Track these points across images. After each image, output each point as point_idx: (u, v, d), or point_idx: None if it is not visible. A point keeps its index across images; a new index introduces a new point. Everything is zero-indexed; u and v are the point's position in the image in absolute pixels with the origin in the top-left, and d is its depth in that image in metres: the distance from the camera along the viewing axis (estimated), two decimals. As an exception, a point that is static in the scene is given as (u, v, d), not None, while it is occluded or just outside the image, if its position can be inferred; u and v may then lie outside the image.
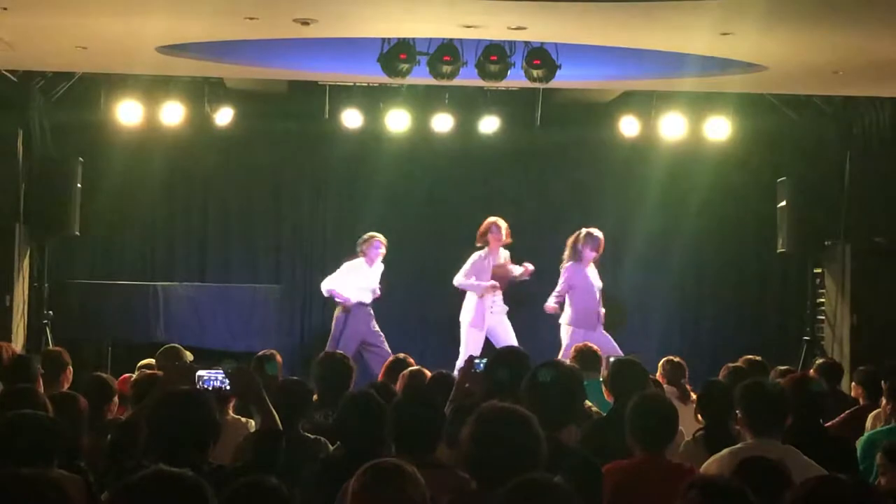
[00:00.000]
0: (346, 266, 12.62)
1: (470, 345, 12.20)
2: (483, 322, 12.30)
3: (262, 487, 3.74)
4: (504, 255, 12.54)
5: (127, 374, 8.61)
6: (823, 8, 8.73)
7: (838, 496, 3.36)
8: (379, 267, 12.65)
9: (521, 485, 3.59)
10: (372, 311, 12.56)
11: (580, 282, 12.15)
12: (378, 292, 12.56)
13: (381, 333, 12.50)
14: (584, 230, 12.30)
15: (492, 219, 12.45)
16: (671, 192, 13.99)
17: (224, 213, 14.14)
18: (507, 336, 12.26)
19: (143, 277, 13.38)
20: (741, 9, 8.74)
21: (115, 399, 7.07)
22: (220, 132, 13.37)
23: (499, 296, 12.41)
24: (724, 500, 3.75)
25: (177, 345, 8.84)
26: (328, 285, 12.58)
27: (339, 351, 8.85)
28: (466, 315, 12.37)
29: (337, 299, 12.51)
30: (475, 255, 12.40)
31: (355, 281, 12.53)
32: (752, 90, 12.70)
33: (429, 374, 7.89)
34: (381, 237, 12.60)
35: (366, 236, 12.64)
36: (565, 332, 12.02)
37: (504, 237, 12.40)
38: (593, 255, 12.26)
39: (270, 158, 14.08)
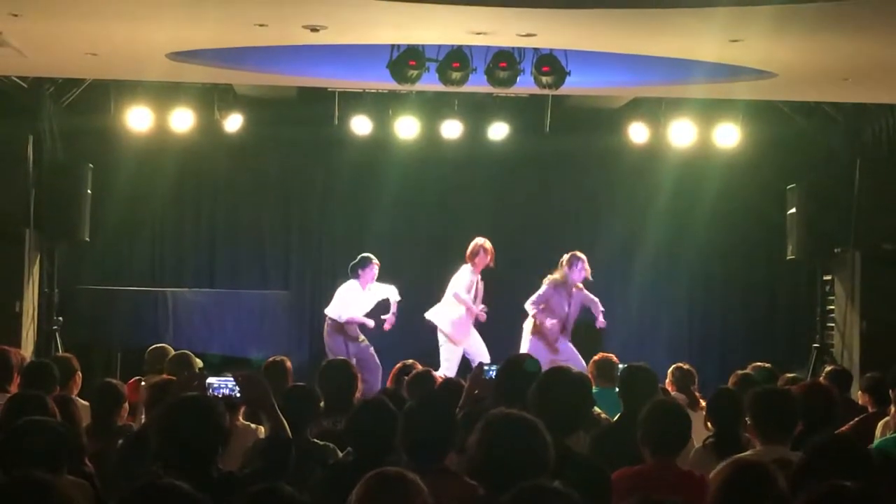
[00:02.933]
0: (344, 290, 12.58)
1: (452, 359, 12.24)
2: (465, 337, 12.32)
3: (278, 495, 3.72)
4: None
5: (134, 380, 8.64)
6: (832, 15, 8.72)
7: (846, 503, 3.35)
8: (374, 290, 12.61)
9: (524, 490, 3.59)
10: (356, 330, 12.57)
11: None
12: (389, 319, 12.54)
13: (369, 345, 12.52)
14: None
15: (481, 241, 12.39)
16: (680, 199, 13.99)
17: (233, 219, 14.18)
18: (481, 349, 12.27)
19: (152, 283, 13.41)
20: (750, 16, 8.73)
21: (126, 405, 7.09)
22: (229, 138, 13.39)
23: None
24: None
25: (186, 351, 8.86)
26: (347, 313, 12.54)
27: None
28: (450, 328, 12.36)
29: (358, 323, 12.53)
30: (468, 271, 12.38)
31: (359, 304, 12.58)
32: (761, 97, 12.69)
33: (438, 375, 7.93)
34: (375, 259, 12.53)
35: (361, 257, 12.59)
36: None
37: (489, 261, 12.33)
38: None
39: (280, 164, 14.13)
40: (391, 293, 12.62)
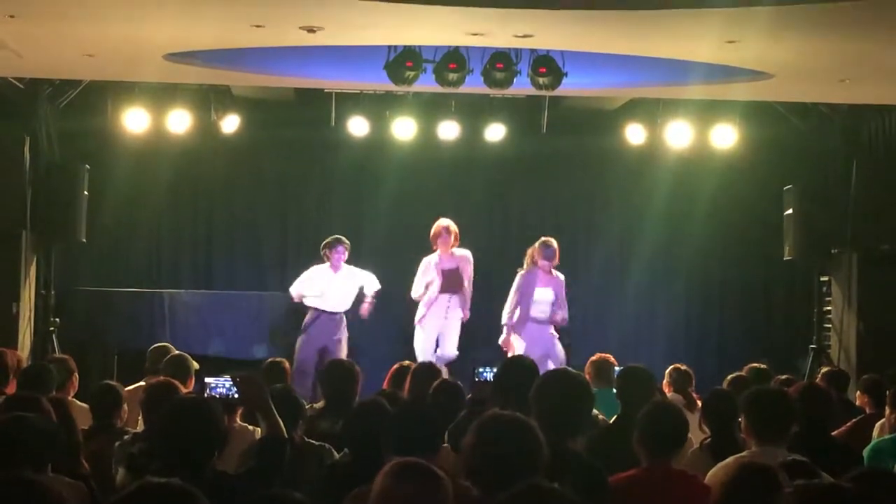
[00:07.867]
0: (309, 271, 12.62)
1: (416, 344, 12.28)
2: (427, 322, 12.32)
3: (284, 501, 3.68)
4: (461, 260, 12.45)
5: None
6: (829, 16, 8.73)
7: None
8: (351, 277, 12.59)
9: (521, 491, 3.58)
10: (339, 320, 12.51)
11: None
12: (364, 307, 12.53)
13: (343, 342, 12.43)
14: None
15: (442, 223, 12.42)
16: (677, 200, 13.99)
17: (230, 220, 14.17)
18: (445, 341, 12.27)
19: (149, 285, 13.40)
20: (747, 17, 8.73)
21: (125, 406, 7.07)
22: (226, 140, 13.39)
23: (454, 299, 12.37)
24: None
25: (184, 353, 8.84)
26: (295, 290, 12.60)
27: (344, 358, 8.85)
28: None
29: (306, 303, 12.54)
30: (423, 262, 12.45)
31: (319, 287, 12.53)
32: (758, 98, 12.69)
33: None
34: (344, 241, 12.53)
35: (328, 240, 12.59)
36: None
37: (452, 241, 12.33)
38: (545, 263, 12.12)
39: (276, 166, 14.12)
40: (369, 282, 12.61)
